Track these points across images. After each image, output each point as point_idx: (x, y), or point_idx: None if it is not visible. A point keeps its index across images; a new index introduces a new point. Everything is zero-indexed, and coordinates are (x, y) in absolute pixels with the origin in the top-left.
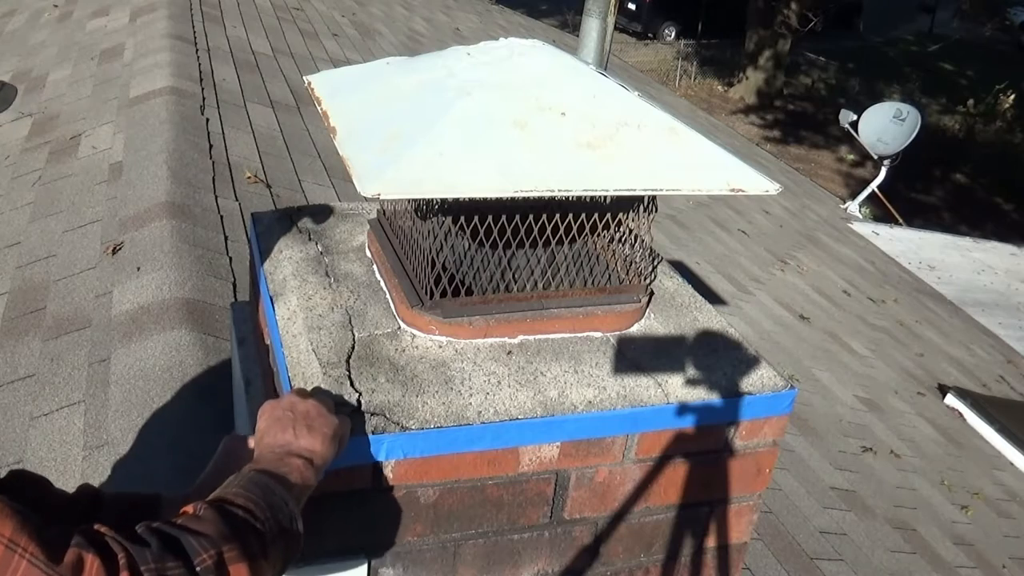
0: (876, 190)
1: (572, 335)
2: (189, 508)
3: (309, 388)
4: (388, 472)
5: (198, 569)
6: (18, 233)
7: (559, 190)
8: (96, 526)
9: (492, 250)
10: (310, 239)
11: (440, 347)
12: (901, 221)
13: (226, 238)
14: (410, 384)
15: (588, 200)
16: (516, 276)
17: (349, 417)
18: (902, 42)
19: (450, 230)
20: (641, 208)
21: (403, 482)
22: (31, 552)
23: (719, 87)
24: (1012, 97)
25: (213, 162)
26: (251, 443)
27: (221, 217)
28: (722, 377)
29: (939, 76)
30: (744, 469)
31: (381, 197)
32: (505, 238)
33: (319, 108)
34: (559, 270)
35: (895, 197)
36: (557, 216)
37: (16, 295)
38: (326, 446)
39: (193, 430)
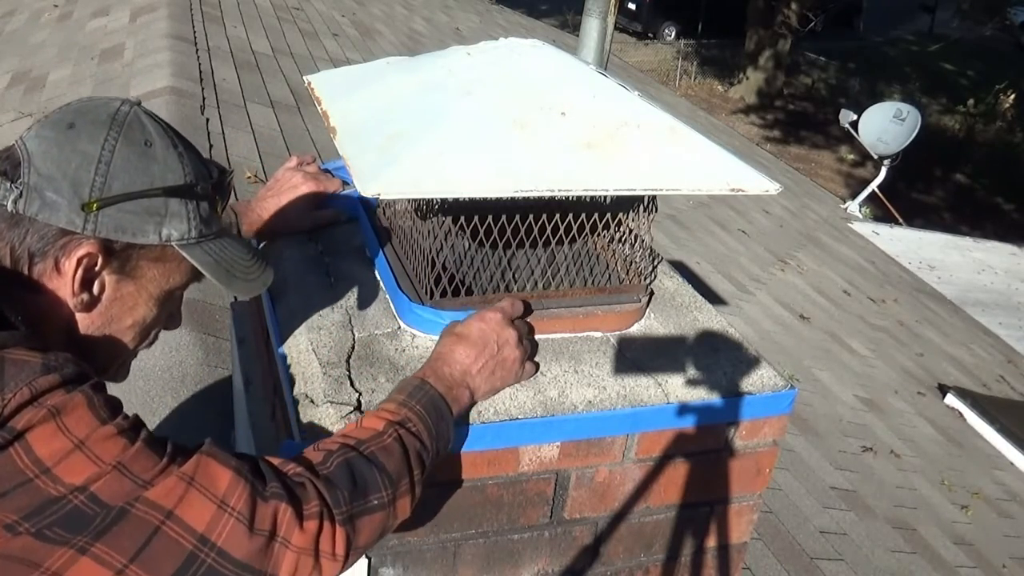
0: (876, 190)
1: (572, 335)
2: (376, 422)
3: (315, 388)
4: None
5: (375, 503)
6: None
7: (559, 190)
8: (293, 468)
9: (492, 250)
10: (310, 239)
11: None
12: (901, 221)
13: None
14: None
15: (588, 200)
16: (516, 276)
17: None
18: (902, 42)
19: (450, 230)
20: (641, 208)
21: None
22: (239, 511)
23: (719, 87)
24: (1012, 97)
25: None
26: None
27: None
28: (722, 377)
29: (939, 76)
30: (744, 469)
31: (381, 197)
32: (505, 238)
33: (319, 108)
34: (559, 270)
35: (895, 197)
36: (557, 216)
37: None
38: (487, 393)
39: (193, 430)
